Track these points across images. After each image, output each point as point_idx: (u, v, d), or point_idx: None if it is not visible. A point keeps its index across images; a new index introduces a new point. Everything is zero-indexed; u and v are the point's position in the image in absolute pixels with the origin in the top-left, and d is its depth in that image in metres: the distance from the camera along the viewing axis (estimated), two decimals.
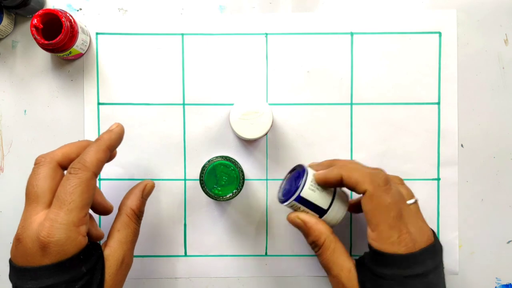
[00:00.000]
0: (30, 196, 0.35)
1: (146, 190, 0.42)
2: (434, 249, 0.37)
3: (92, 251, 0.36)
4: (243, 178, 0.45)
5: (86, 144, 0.38)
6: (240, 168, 0.45)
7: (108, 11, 0.49)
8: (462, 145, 0.50)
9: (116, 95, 0.49)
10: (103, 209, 0.44)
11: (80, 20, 0.48)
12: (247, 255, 0.50)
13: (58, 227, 0.33)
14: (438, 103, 0.50)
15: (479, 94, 0.50)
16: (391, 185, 0.37)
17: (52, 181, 0.35)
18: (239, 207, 0.50)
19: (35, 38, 0.43)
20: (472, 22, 0.50)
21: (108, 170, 0.50)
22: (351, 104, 0.50)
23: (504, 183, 0.50)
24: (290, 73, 0.50)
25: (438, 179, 0.50)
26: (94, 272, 0.35)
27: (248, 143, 0.50)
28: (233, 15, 0.50)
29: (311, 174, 0.40)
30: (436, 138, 0.50)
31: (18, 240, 0.34)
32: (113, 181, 0.50)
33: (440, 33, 0.50)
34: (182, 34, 0.50)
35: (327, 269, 0.39)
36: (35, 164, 0.36)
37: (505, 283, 0.51)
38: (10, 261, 0.35)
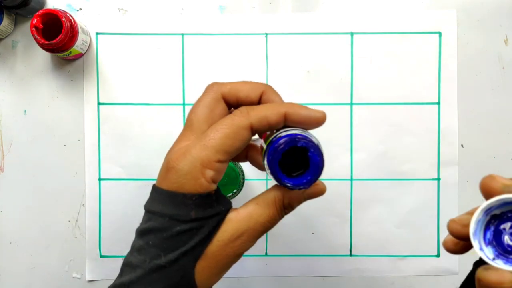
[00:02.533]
0: (187, 121, 0.33)
1: (312, 191, 0.35)
2: None
3: (214, 204, 0.32)
4: (243, 178, 0.45)
5: (261, 88, 0.34)
6: (240, 168, 0.45)
7: (108, 11, 0.49)
8: (462, 145, 0.50)
9: (116, 95, 0.49)
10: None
11: (80, 20, 0.48)
12: (247, 255, 0.50)
13: (187, 156, 0.30)
14: (438, 103, 0.50)
15: (479, 94, 0.50)
16: None
17: (210, 112, 0.32)
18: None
19: (35, 38, 0.43)
20: (472, 22, 0.50)
21: (108, 170, 0.50)
22: (351, 104, 0.50)
23: None
24: (290, 73, 0.50)
25: (438, 179, 0.50)
26: (204, 224, 0.31)
27: None
28: (233, 15, 0.50)
29: None
30: (436, 138, 0.50)
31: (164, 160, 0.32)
32: (113, 181, 0.50)
33: (440, 33, 0.50)
34: (182, 34, 0.50)
35: None
36: (204, 90, 0.34)
37: None
38: None
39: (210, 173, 0.31)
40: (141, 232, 0.33)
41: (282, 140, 0.30)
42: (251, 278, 0.50)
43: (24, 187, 0.50)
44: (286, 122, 0.32)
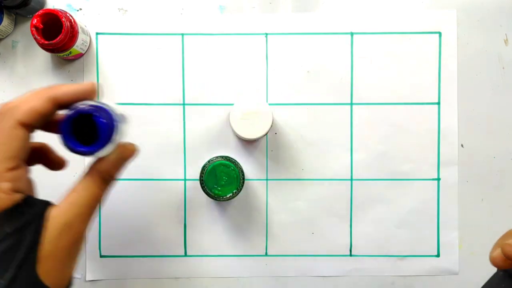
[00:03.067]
0: None
1: (124, 153, 0.35)
2: None
3: (26, 211, 0.31)
4: (243, 178, 0.45)
5: (48, 94, 0.32)
6: (240, 168, 0.45)
7: (108, 11, 0.50)
8: (462, 145, 0.50)
9: (116, 95, 0.49)
10: (51, 163, 0.38)
11: (80, 20, 0.48)
12: (247, 255, 0.50)
13: None
14: (438, 103, 0.50)
15: (479, 94, 0.50)
16: None
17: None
18: (239, 207, 0.50)
19: (35, 38, 0.43)
20: (472, 22, 0.50)
21: None
22: (351, 104, 0.50)
23: (504, 183, 0.50)
24: (290, 73, 0.50)
25: (438, 179, 0.50)
26: (24, 233, 0.30)
27: (248, 143, 0.50)
28: (233, 15, 0.50)
29: None
30: (436, 138, 0.50)
31: None
32: None
33: (440, 33, 0.50)
34: (182, 34, 0.50)
35: None
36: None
37: None
38: None
39: (5, 185, 0.30)
40: None
41: (69, 112, 0.31)
42: (251, 278, 0.51)
43: None
44: (59, 103, 0.31)
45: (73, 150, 0.32)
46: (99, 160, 0.34)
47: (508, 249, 0.32)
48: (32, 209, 0.31)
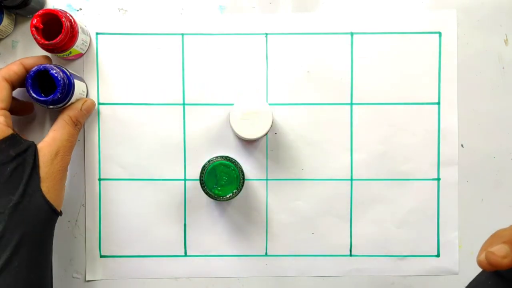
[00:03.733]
0: None
1: (85, 105, 0.46)
2: None
3: (22, 140, 0.40)
4: (243, 178, 0.45)
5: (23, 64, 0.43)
6: (240, 168, 0.45)
7: (108, 11, 0.49)
8: (462, 145, 0.50)
9: (116, 95, 0.49)
10: (20, 108, 0.47)
11: (80, 20, 0.48)
12: (247, 255, 0.50)
13: None
14: (438, 103, 0.50)
15: (479, 94, 0.50)
16: None
17: None
18: (239, 207, 0.50)
19: (35, 38, 0.43)
20: (472, 22, 0.50)
21: (108, 170, 0.50)
22: (351, 104, 0.50)
23: (504, 183, 0.50)
24: (290, 73, 0.50)
25: (438, 179, 0.50)
26: (25, 157, 0.39)
27: (248, 143, 0.50)
28: (233, 15, 0.50)
29: None
30: (436, 138, 0.50)
31: None
32: (113, 181, 0.50)
33: (440, 33, 0.50)
34: (182, 34, 0.50)
35: None
36: None
37: None
38: None
39: (1, 118, 0.40)
40: None
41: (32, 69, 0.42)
42: (251, 278, 0.51)
43: None
44: (27, 66, 0.43)
45: (37, 99, 0.41)
46: (68, 108, 0.45)
47: (491, 258, 0.32)
48: (25, 141, 0.41)
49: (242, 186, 0.45)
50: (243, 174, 0.45)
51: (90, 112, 0.47)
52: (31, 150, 0.40)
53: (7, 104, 0.41)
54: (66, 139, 0.43)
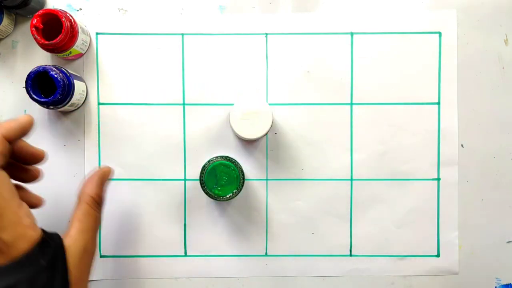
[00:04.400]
0: None
1: (104, 176, 0.42)
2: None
3: (49, 241, 0.35)
4: (243, 178, 0.45)
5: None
6: (240, 168, 0.45)
7: (108, 11, 0.50)
8: (462, 145, 0.50)
9: (116, 95, 0.49)
10: (30, 158, 0.41)
11: (80, 20, 0.48)
12: (247, 255, 0.50)
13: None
14: (438, 103, 0.50)
15: (479, 94, 0.50)
16: None
17: None
18: (239, 207, 0.50)
19: (35, 38, 0.43)
20: (472, 22, 0.50)
21: None
22: (351, 104, 0.50)
23: (504, 183, 0.50)
24: (290, 73, 0.50)
25: (438, 179, 0.50)
26: (55, 264, 0.34)
27: (248, 143, 0.50)
28: (233, 15, 0.50)
29: None
30: (436, 138, 0.50)
31: None
32: (113, 181, 0.50)
33: (440, 33, 0.50)
34: (182, 34, 0.50)
35: None
36: None
37: (505, 283, 0.51)
38: None
39: (26, 220, 0.34)
40: None
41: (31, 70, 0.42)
42: (251, 278, 0.51)
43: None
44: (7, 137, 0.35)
45: (37, 100, 0.41)
46: (84, 186, 0.40)
47: None
48: (53, 241, 0.35)
49: (242, 186, 0.45)
50: (243, 174, 0.45)
51: (107, 181, 0.43)
52: (60, 254, 0.35)
53: (4, 158, 0.34)
54: (92, 228, 0.39)
